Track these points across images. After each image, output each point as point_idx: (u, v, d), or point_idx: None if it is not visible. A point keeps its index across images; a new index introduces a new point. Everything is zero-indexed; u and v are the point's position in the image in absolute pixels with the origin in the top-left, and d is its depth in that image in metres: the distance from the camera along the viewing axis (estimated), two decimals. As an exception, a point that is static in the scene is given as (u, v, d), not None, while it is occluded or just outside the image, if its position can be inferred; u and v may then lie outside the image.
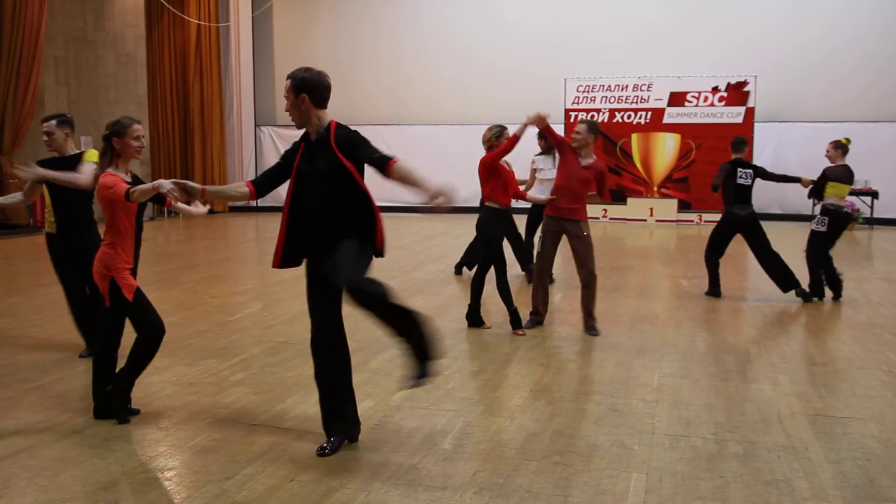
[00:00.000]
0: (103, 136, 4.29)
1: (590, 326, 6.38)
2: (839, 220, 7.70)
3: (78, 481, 3.56)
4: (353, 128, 3.79)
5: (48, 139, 5.36)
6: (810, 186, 7.81)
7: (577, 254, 6.37)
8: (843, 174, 7.67)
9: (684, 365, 5.50)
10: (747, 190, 7.81)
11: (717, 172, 7.91)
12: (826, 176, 7.66)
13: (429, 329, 3.62)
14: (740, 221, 7.83)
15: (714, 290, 8.05)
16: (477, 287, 6.49)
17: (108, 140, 4.26)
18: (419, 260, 10.42)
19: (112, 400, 4.29)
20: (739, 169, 7.79)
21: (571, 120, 16.46)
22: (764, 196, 15.65)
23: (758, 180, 7.87)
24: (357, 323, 6.79)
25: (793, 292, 7.82)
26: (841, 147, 7.74)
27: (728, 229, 7.97)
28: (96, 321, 5.76)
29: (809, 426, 4.29)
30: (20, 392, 4.88)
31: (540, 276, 6.60)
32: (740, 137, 8.18)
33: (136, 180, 4.49)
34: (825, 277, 7.82)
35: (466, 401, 4.71)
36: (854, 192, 15.10)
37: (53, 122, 5.36)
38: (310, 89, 3.75)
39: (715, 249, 8.08)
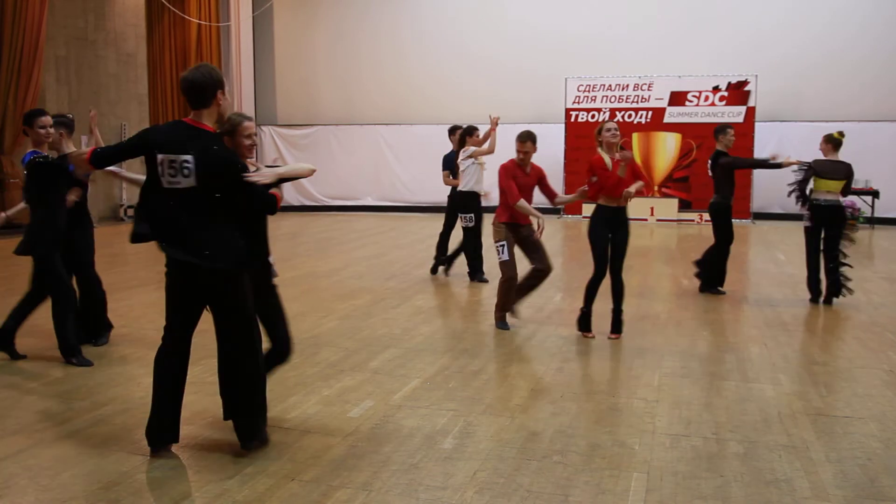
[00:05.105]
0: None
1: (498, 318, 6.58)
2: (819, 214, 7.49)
3: (79, 481, 3.56)
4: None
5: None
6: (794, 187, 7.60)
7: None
8: (829, 169, 7.45)
9: (685, 364, 5.50)
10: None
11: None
12: (812, 168, 7.50)
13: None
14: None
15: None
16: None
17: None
18: (420, 259, 10.42)
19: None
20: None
21: (572, 119, 16.47)
22: (765, 196, 15.71)
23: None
24: (357, 323, 6.81)
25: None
26: (832, 141, 7.54)
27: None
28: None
29: (810, 425, 4.29)
30: (20, 392, 4.89)
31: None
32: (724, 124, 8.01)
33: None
34: (829, 275, 7.53)
35: (467, 400, 4.71)
36: (855, 192, 15.12)
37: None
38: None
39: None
